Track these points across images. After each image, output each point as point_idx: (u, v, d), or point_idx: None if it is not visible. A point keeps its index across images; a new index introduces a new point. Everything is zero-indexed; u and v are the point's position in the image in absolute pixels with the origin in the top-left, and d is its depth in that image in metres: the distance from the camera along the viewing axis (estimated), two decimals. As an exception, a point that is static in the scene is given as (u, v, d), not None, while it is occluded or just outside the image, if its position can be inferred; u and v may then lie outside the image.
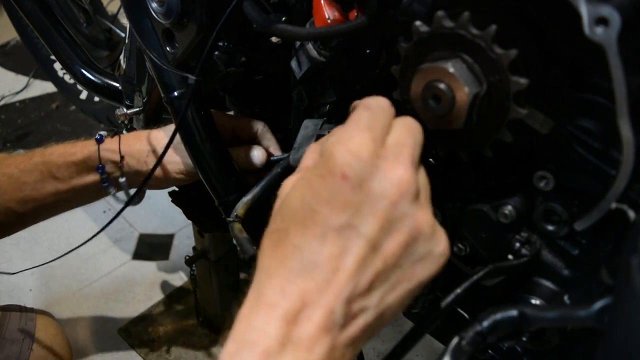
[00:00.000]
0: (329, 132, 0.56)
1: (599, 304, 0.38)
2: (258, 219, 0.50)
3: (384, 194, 0.36)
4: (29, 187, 0.79)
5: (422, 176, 0.41)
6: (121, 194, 0.82)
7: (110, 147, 0.78)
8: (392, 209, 0.37)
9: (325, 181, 0.37)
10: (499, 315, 0.43)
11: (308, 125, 0.60)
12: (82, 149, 0.78)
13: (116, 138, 0.78)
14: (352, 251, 0.36)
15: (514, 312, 0.43)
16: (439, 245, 0.39)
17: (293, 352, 0.34)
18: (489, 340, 0.43)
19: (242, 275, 1.29)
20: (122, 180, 0.78)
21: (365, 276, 0.36)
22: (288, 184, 0.41)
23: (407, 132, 0.40)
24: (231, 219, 0.57)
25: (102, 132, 0.78)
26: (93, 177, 0.79)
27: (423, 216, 0.38)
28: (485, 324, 0.43)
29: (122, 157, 0.77)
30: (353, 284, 0.36)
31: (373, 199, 0.36)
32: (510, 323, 0.43)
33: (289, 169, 0.63)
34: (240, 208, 0.59)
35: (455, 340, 0.42)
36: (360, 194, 0.36)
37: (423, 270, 0.38)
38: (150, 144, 0.78)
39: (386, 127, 0.40)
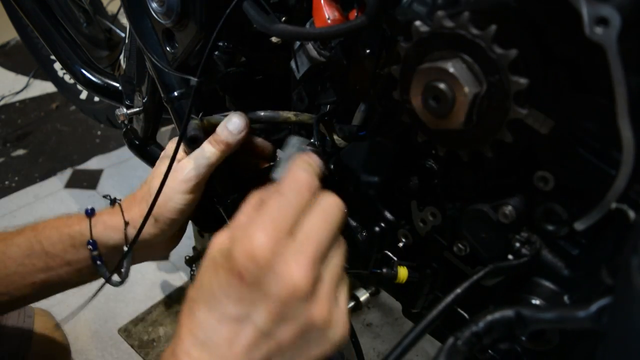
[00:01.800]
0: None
1: (597, 305, 0.38)
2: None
3: (277, 294, 0.40)
4: (14, 263, 0.68)
5: (333, 263, 0.45)
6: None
7: (111, 225, 0.69)
8: (283, 307, 0.40)
9: (226, 276, 0.41)
10: (495, 316, 0.43)
11: (294, 143, 0.58)
12: (80, 222, 0.70)
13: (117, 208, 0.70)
14: (245, 336, 0.41)
15: (510, 313, 0.43)
16: (335, 332, 0.43)
17: None
18: (484, 341, 0.43)
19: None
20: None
21: (261, 355, 0.41)
22: (217, 241, 0.45)
23: (320, 222, 0.43)
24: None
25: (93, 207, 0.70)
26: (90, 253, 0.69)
27: (317, 311, 0.41)
28: (481, 324, 0.43)
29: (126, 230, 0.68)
30: None
31: (267, 297, 0.40)
32: (506, 324, 0.43)
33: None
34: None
35: (450, 340, 0.42)
36: (255, 292, 0.41)
37: (317, 350, 0.43)
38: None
39: (296, 216, 0.43)
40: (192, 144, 0.66)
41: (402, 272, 0.61)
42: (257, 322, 0.41)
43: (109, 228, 0.69)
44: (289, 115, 0.64)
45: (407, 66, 0.46)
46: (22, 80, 2.15)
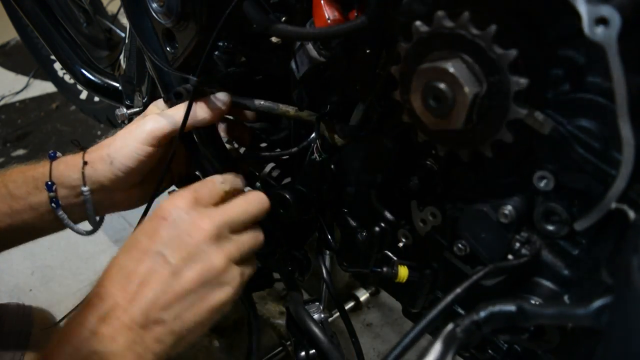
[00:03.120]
0: None
1: (597, 303, 0.38)
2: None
3: (189, 235, 0.51)
4: None
5: (243, 239, 0.57)
6: (82, 225, 0.73)
7: (72, 164, 0.69)
8: (192, 248, 0.51)
9: (150, 221, 0.53)
10: (496, 308, 0.43)
11: None
12: (45, 165, 0.70)
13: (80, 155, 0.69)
14: (158, 273, 0.50)
15: (512, 306, 0.43)
16: (230, 282, 0.53)
17: (98, 340, 0.46)
18: (484, 330, 0.43)
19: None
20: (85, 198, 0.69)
21: (165, 295, 0.49)
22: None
23: (241, 205, 0.58)
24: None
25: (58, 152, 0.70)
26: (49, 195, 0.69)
27: (217, 259, 0.52)
28: (482, 314, 0.43)
29: (83, 176, 0.68)
30: (153, 298, 0.49)
31: (180, 238, 0.51)
32: (507, 316, 0.43)
33: None
34: None
35: (449, 326, 0.42)
36: (172, 232, 0.52)
37: (214, 297, 0.52)
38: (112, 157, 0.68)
39: (215, 196, 0.57)
40: (176, 99, 0.66)
41: (403, 271, 0.61)
42: (170, 260, 0.50)
43: (70, 167, 0.69)
44: (288, 109, 0.64)
45: (407, 66, 0.46)
46: (22, 80, 2.16)
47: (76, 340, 0.46)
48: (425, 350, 0.40)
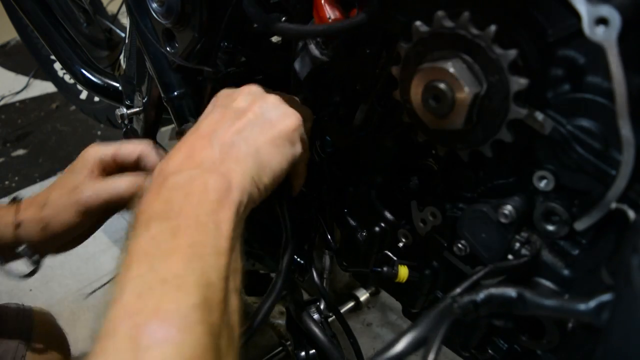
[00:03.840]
0: None
1: (598, 300, 0.38)
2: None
3: (240, 92, 0.56)
4: None
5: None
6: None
7: (4, 222, 0.67)
8: (245, 95, 0.55)
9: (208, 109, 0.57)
10: (497, 290, 0.43)
11: None
12: None
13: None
14: (226, 115, 0.53)
15: (512, 292, 0.42)
16: (287, 116, 0.54)
17: (189, 168, 0.48)
18: (481, 311, 0.43)
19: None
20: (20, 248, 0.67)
21: (234, 126, 0.52)
22: None
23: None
24: None
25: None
26: None
27: (272, 98, 0.55)
28: (482, 295, 0.43)
29: (18, 224, 0.66)
30: (227, 127, 0.52)
31: (235, 99, 0.55)
32: (506, 301, 0.42)
33: None
34: None
35: (448, 300, 0.42)
36: (226, 99, 0.56)
37: (277, 124, 0.53)
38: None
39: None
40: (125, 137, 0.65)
41: (403, 271, 0.61)
42: (232, 106, 0.54)
43: (2, 225, 0.67)
44: None
45: (407, 66, 0.46)
46: (22, 80, 2.16)
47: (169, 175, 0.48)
48: (420, 319, 0.40)
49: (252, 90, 0.56)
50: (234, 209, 0.46)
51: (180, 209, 0.44)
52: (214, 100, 0.57)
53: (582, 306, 0.39)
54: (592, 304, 0.38)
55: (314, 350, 0.69)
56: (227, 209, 0.45)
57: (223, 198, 0.46)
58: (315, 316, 0.71)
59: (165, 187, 0.46)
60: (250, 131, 0.52)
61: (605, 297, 0.38)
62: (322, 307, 0.72)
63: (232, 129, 0.52)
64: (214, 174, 0.47)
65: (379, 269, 0.63)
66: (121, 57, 1.00)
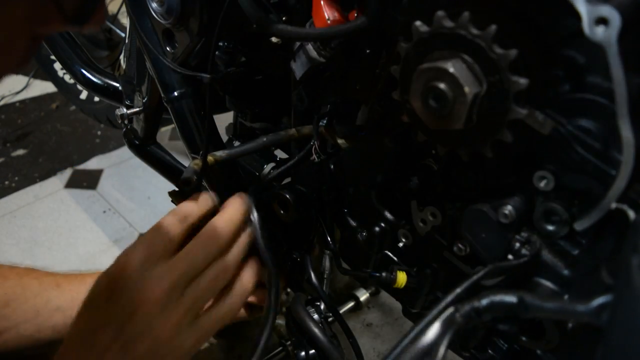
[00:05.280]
0: None
1: (598, 301, 0.38)
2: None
3: (140, 305, 0.50)
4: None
5: (203, 282, 0.54)
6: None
7: None
8: (141, 320, 0.50)
9: (107, 277, 0.54)
10: (498, 297, 0.42)
11: None
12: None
13: None
14: (110, 350, 0.50)
15: (513, 297, 0.42)
16: (183, 343, 0.53)
17: None
18: (483, 317, 0.43)
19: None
20: None
21: None
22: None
23: (198, 245, 0.55)
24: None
25: None
26: None
27: (165, 330, 0.51)
28: (484, 302, 0.42)
29: None
30: None
31: (131, 308, 0.50)
32: (507, 307, 0.42)
33: None
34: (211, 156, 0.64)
35: (450, 310, 0.42)
36: (123, 302, 0.51)
37: None
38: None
39: (172, 243, 0.54)
40: (185, 186, 0.62)
41: (401, 277, 0.61)
42: (120, 334, 0.50)
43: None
44: (290, 132, 0.65)
45: (407, 66, 0.46)
46: (22, 80, 2.15)
47: None
48: (422, 330, 0.40)
49: (146, 311, 0.51)
50: None
51: None
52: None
53: (582, 307, 0.39)
54: (592, 305, 0.38)
55: (313, 351, 0.69)
56: None
57: None
58: (315, 316, 0.71)
59: None
60: None
61: (606, 297, 0.38)
62: (322, 307, 0.72)
63: None
64: None
65: (378, 274, 0.63)
66: (121, 57, 1.00)
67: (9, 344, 0.66)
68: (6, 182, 1.68)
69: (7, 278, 0.68)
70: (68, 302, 0.68)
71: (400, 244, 0.62)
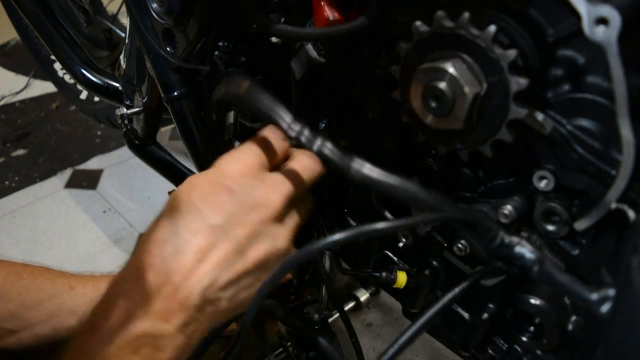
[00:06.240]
0: None
1: (603, 292, 0.38)
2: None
3: (256, 211, 0.45)
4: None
5: (303, 207, 0.50)
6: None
7: None
8: (259, 226, 0.45)
9: (213, 187, 0.45)
10: (519, 249, 0.42)
11: None
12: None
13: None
14: (220, 249, 0.43)
15: (533, 255, 0.42)
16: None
17: (150, 320, 0.40)
18: (501, 252, 0.42)
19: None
20: None
21: (225, 274, 0.43)
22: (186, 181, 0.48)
23: (300, 168, 0.49)
24: None
25: None
26: None
27: (283, 239, 0.47)
28: (511, 240, 0.42)
29: None
30: (213, 277, 0.43)
31: (246, 212, 0.44)
32: (526, 260, 0.42)
33: None
34: None
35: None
36: (237, 205, 0.44)
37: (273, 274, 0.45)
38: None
39: (279, 157, 0.50)
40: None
41: (402, 277, 0.61)
42: (233, 236, 0.43)
43: None
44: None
45: (407, 66, 0.46)
46: (22, 80, 2.15)
47: (122, 315, 0.41)
48: (419, 330, 0.41)
49: (263, 218, 0.46)
50: None
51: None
52: (234, 165, 0.47)
53: (588, 293, 0.38)
54: (598, 293, 0.38)
55: (314, 352, 0.69)
56: None
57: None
58: (315, 316, 0.71)
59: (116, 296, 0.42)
60: (238, 287, 0.45)
61: (610, 291, 0.38)
62: (322, 307, 0.72)
63: (223, 280, 0.44)
64: (181, 336, 0.42)
65: (378, 274, 0.63)
66: (121, 57, 1.00)
67: (24, 341, 0.66)
68: (6, 182, 1.68)
69: (20, 277, 0.68)
70: (81, 305, 0.68)
71: (400, 244, 0.62)
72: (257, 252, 0.45)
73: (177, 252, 0.42)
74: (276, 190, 0.47)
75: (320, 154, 0.42)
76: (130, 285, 0.42)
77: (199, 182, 0.46)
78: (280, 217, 0.47)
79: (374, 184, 0.42)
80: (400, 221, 0.41)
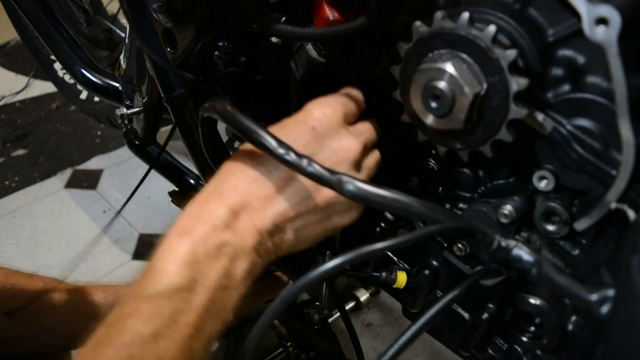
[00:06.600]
0: None
1: (603, 293, 0.38)
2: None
3: (335, 151, 0.48)
4: None
5: (372, 157, 0.53)
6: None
7: None
8: (336, 164, 0.48)
9: (298, 126, 0.49)
10: (516, 252, 0.42)
11: None
12: None
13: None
14: (298, 183, 0.46)
15: (532, 256, 0.42)
16: (357, 208, 0.51)
17: (231, 234, 0.44)
18: (498, 255, 0.43)
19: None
20: None
21: (297, 207, 0.46)
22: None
23: (370, 125, 0.53)
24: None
25: None
26: None
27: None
28: (507, 243, 0.43)
29: None
30: (286, 207, 0.46)
31: (326, 152, 0.48)
32: (524, 262, 0.42)
33: None
34: None
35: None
36: (319, 144, 0.48)
37: (339, 220, 0.50)
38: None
39: (356, 114, 0.53)
40: None
41: (402, 277, 0.61)
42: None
43: None
44: None
45: (407, 66, 0.46)
46: (22, 80, 2.15)
47: (208, 225, 0.44)
48: (419, 330, 0.41)
49: (342, 160, 0.49)
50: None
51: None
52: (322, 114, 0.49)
53: (587, 294, 0.38)
54: (597, 294, 0.38)
55: (314, 352, 0.69)
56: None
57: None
58: (315, 317, 0.71)
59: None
60: (307, 221, 0.48)
61: (609, 292, 0.38)
62: (322, 307, 0.73)
63: (295, 212, 0.47)
64: (253, 254, 0.45)
65: (378, 274, 0.63)
66: (121, 57, 1.00)
67: (43, 341, 0.70)
68: (6, 182, 1.68)
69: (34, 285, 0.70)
70: (96, 309, 0.70)
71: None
72: (330, 192, 0.46)
73: (259, 180, 0.46)
74: (358, 138, 0.50)
75: (308, 175, 0.44)
76: (214, 202, 0.45)
77: (285, 122, 0.50)
78: (357, 165, 0.50)
79: (365, 200, 0.43)
80: (398, 240, 0.42)
